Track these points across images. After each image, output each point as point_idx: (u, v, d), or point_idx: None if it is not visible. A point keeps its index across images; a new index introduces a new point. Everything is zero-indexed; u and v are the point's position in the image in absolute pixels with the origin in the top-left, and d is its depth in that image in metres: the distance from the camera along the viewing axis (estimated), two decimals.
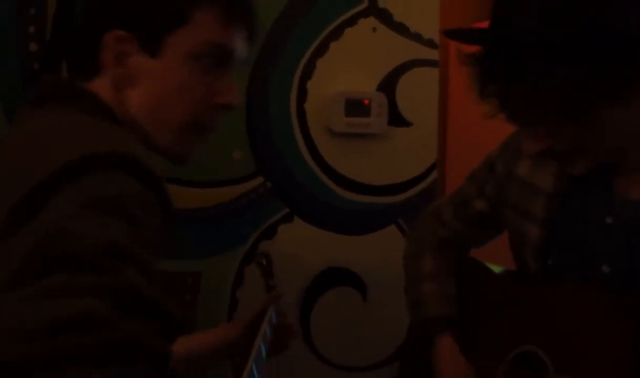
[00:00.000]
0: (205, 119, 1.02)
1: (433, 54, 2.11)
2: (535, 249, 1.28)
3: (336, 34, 2.05)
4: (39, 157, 0.77)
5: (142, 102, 0.98)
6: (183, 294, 2.02)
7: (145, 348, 0.64)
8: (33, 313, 0.60)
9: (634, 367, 1.08)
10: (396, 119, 2.11)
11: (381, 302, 2.12)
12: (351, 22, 2.06)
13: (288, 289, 2.07)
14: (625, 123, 1.06)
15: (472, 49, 1.09)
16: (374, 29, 2.07)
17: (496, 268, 1.46)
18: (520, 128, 1.13)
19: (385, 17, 2.08)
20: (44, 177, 0.72)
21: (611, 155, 1.13)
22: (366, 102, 2.04)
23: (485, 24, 1.12)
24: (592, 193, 1.20)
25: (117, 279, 0.66)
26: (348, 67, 2.05)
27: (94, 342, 0.60)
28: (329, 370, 2.13)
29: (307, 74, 2.04)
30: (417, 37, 2.10)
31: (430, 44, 2.11)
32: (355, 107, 2.03)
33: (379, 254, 2.12)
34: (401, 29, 2.09)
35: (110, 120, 0.93)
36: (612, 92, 1.00)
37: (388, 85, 2.09)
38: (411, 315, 1.48)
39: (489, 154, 1.43)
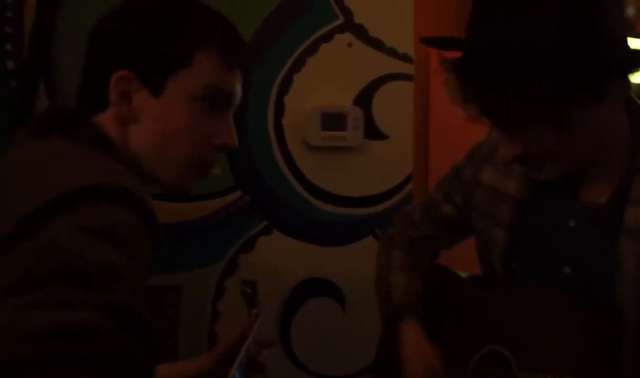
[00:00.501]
0: (205, 157, 1.07)
1: (408, 68, 2.15)
2: (501, 253, 1.32)
3: (312, 49, 2.08)
4: (43, 183, 0.82)
5: (144, 139, 1.03)
6: (165, 308, 2.04)
7: (132, 365, 0.68)
8: (26, 319, 0.64)
9: (591, 362, 1.13)
10: (372, 132, 2.14)
11: (360, 311, 2.15)
12: (327, 37, 2.09)
13: (268, 300, 2.09)
14: (595, 129, 1.10)
15: (451, 56, 1.14)
16: (350, 44, 2.10)
17: (463, 275, 1.51)
18: (498, 133, 1.16)
19: (360, 32, 2.11)
20: (46, 200, 0.77)
21: (579, 163, 1.16)
22: (342, 116, 2.07)
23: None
24: (557, 199, 1.24)
25: (111, 297, 0.70)
26: (324, 81, 2.09)
27: (83, 351, 0.64)
28: None
29: (284, 89, 2.07)
30: (392, 52, 2.14)
31: (405, 58, 2.14)
32: (332, 121, 2.07)
33: (357, 265, 2.15)
34: (377, 44, 2.12)
35: (112, 153, 0.98)
36: (585, 95, 1.05)
37: (364, 99, 2.13)
38: (380, 305, 1.52)
39: (456, 162, 1.48)
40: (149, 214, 0.86)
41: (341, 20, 2.10)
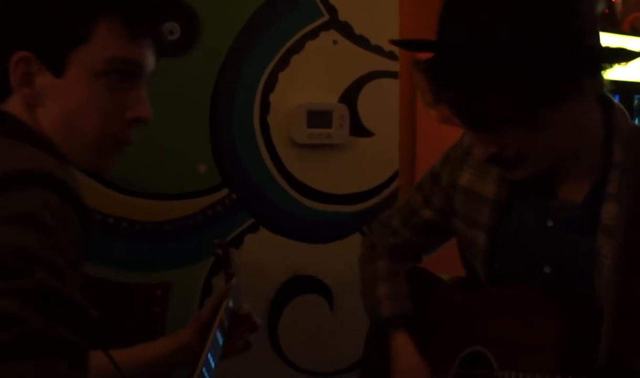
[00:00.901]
0: (118, 133, 1.02)
1: (394, 66, 2.17)
2: (482, 255, 1.32)
3: (297, 47, 2.09)
4: None
5: (51, 121, 0.99)
6: (153, 306, 2.04)
7: (57, 342, 0.68)
8: None
9: (569, 359, 1.14)
10: (358, 130, 2.15)
11: (347, 308, 2.17)
12: (312, 35, 2.10)
13: (255, 298, 2.11)
14: (568, 127, 1.10)
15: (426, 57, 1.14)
16: (335, 42, 2.11)
17: (445, 277, 1.52)
18: (470, 134, 1.17)
19: (346, 30, 2.12)
20: None
21: (554, 162, 1.17)
22: (328, 113, 2.08)
23: None
24: (534, 199, 1.24)
25: (26, 280, 0.70)
26: (310, 79, 2.10)
27: (3, 338, 0.64)
28: (297, 376, 2.16)
29: (269, 87, 2.07)
30: (377, 50, 2.15)
31: (390, 55, 2.16)
32: (318, 118, 2.07)
33: (344, 262, 2.16)
34: (362, 42, 2.13)
35: (26, 137, 0.95)
36: (556, 93, 1.05)
37: (349, 96, 2.14)
38: (369, 317, 1.54)
39: (433, 165, 1.48)
40: (73, 197, 0.84)
41: (326, 17, 2.11)
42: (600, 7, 2.46)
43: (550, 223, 1.22)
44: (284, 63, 2.08)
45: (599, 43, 1.10)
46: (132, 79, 1.02)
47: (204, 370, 1.22)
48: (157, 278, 2.03)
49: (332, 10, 2.11)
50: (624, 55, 1.08)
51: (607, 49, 1.08)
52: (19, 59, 0.97)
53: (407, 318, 1.46)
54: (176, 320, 2.03)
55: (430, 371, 1.39)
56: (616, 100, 1.21)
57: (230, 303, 1.45)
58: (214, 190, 2.05)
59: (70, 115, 0.99)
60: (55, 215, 0.79)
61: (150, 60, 1.04)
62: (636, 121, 2.59)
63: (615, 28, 2.57)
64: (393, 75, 2.16)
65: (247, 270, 2.05)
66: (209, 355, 1.27)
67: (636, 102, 2.61)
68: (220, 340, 1.36)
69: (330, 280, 2.18)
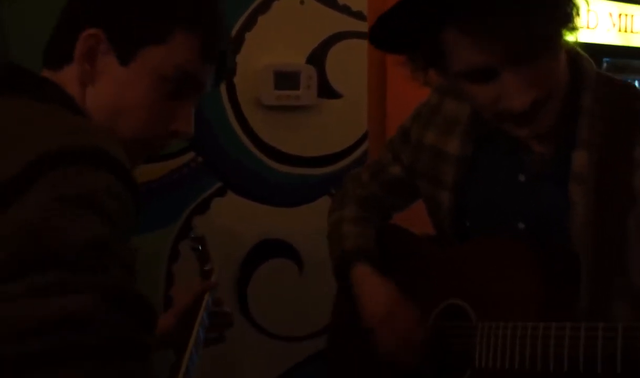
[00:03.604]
0: (155, 140, 1.02)
1: (362, 26, 2.13)
2: (449, 215, 1.31)
3: (264, 7, 2.04)
4: (6, 149, 0.76)
5: (97, 104, 0.98)
6: None
7: (131, 344, 0.66)
8: (21, 313, 0.61)
9: (550, 307, 1.13)
10: (326, 91, 2.12)
11: (317, 272, 2.15)
12: None
13: (224, 263, 2.08)
14: (548, 74, 1.08)
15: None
16: (302, 2, 2.07)
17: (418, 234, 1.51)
18: (510, 81, 1.07)
19: None
20: (16, 170, 0.71)
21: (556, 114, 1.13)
22: (295, 74, 2.04)
23: None
24: (503, 154, 1.23)
25: (100, 277, 0.67)
26: (276, 40, 2.06)
27: (79, 341, 0.61)
28: (267, 341, 2.15)
29: (235, 48, 2.03)
30: (345, 10, 2.11)
31: (358, 15, 2.12)
32: (285, 79, 2.04)
33: (313, 225, 2.14)
34: (329, 2, 2.10)
35: (73, 111, 0.93)
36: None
37: (317, 57, 2.10)
38: (332, 258, 1.50)
39: (403, 122, 1.46)
40: (128, 176, 0.80)
41: None
42: None
43: (522, 178, 1.21)
44: (250, 23, 2.04)
45: None
46: (189, 95, 1.03)
47: (189, 364, 1.27)
48: None
49: None
50: None
51: None
52: (91, 34, 0.96)
53: (371, 255, 1.43)
54: (143, 286, 1.99)
55: (399, 292, 1.36)
56: None
57: (210, 303, 1.48)
58: (179, 153, 2.02)
59: (119, 106, 0.98)
60: (117, 200, 0.75)
61: (209, 84, 1.06)
62: None
63: None
64: (361, 35, 2.12)
65: (214, 235, 2.03)
66: (194, 352, 1.31)
67: (605, 65, 2.62)
68: (202, 336, 1.38)
69: (299, 244, 2.17)
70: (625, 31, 2.56)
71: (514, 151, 1.21)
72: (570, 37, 1.10)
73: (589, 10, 2.48)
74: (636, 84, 2.90)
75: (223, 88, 2.03)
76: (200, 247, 1.60)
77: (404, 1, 1.03)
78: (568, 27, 1.06)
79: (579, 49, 1.18)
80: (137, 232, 0.85)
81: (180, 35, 0.99)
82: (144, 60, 0.98)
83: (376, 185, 1.51)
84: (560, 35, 1.06)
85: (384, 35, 1.11)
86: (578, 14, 1.06)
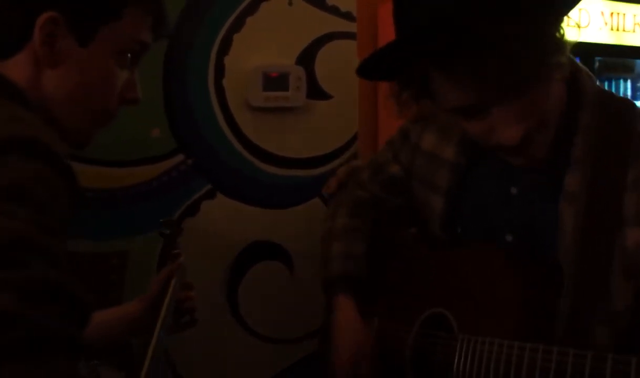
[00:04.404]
0: (113, 108, 1.03)
1: (351, 27, 2.13)
2: (440, 220, 1.30)
3: (252, 8, 2.04)
4: None
5: (60, 86, 0.97)
6: (108, 274, 2.00)
7: (59, 339, 0.65)
8: None
9: (529, 325, 1.12)
10: (316, 92, 2.12)
11: (308, 273, 2.14)
12: None
13: (214, 265, 2.08)
14: (545, 100, 1.05)
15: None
16: (290, 3, 2.07)
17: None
18: (500, 116, 1.06)
19: None
20: None
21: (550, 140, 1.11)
22: (284, 76, 2.04)
23: None
24: (497, 165, 1.20)
25: (23, 272, 0.65)
26: (265, 41, 2.06)
27: (5, 340, 0.60)
28: (258, 343, 2.15)
29: (224, 50, 2.03)
30: (334, 10, 2.11)
31: (347, 16, 2.12)
32: (274, 81, 2.04)
33: (303, 227, 2.14)
34: (318, 3, 2.10)
35: (19, 99, 0.91)
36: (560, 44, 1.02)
37: (306, 58, 2.10)
38: (320, 273, 1.48)
39: (405, 122, 1.43)
40: (61, 163, 0.79)
41: None
42: None
43: (514, 191, 1.20)
44: (238, 25, 2.04)
45: None
46: (136, 61, 1.05)
47: (156, 348, 1.27)
48: (113, 246, 1.99)
49: None
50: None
51: None
52: (48, 18, 0.95)
53: (355, 279, 1.41)
54: (134, 288, 1.99)
55: (370, 336, 1.37)
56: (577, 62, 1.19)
57: (178, 287, 1.46)
58: (168, 156, 2.02)
59: (84, 86, 0.98)
60: (47, 189, 0.74)
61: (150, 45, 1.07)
62: (597, 83, 2.59)
63: None
64: (351, 36, 2.12)
65: (205, 237, 2.03)
66: (162, 334, 1.31)
67: (597, 63, 2.61)
68: (170, 320, 1.39)
69: (289, 246, 2.16)
70: (617, 30, 2.54)
71: (507, 163, 1.18)
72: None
73: (580, 9, 2.47)
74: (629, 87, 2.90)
75: (212, 90, 2.03)
76: (168, 232, 1.58)
77: (384, 48, 1.01)
78: (559, 53, 1.02)
79: (578, 65, 1.17)
80: (130, 231, 0.84)
81: (132, 7, 1.00)
82: (102, 39, 0.98)
83: (376, 185, 1.48)
84: (550, 65, 1.03)
85: (373, 71, 1.12)
86: (565, 40, 1.03)
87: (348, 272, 1.42)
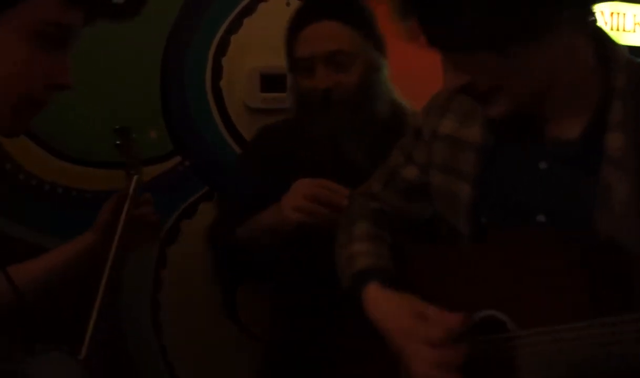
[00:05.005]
0: (39, 96, 0.99)
1: None
2: (467, 209, 1.20)
3: (249, 9, 2.04)
4: None
5: None
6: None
7: None
8: None
9: (590, 306, 0.99)
10: None
11: None
12: None
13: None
14: (545, 63, 1.03)
15: None
16: (288, 4, 2.05)
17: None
18: (444, 61, 1.08)
19: None
20: None
21: (531, 100, 1.09)
22: (282, 77, 2.02)
23: None
24: (524, 142, 1.14)
25: None
26: (263, 42, 2.04)
27: None
28: (255, 345, 2.14)
29: (221, 51, 2.02)
30: None
31: None
32: (272, 82, 2.03)
33: None
34: None
35: None
36: (529, 30, 0.99)
37: None
38: (341, 279, 1.31)
39: (414, 120, 1.38)
40: None
41: None
42: None
43: (543, 166, 1.11)
44: (235, 26, 2.03)
45: None
46: (59, 44, 0.98)
47: (113, 265, 1.31)
48: None
49: None
50: None
51: None
52: None
53: (384, 273, 1.23)
54: (129, 290, 1.99)
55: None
56: None
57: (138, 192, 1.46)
58: (166, 157, 2.01)
59: None
60: None
61: (80, 26, 1.00)
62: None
63: None
64: None
65: (202, 239, 2.02)
66: (120, 254, 1.34)
67: None
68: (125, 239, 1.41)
69: None
70: (617, 30, 2.54)
71: (535, 137, 1.12)
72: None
73: None
74: None
75: (209, 91, 2.03)
76: (120, 142, 1.53)
77: None
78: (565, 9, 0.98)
79: (606, 32, 1.12)
80: None
81: None
82: (8, 23, 0.93)
83: (390, 194, 1.37)
84: (548, 23, 0.99)
85: None
86: None
87: (375, 265, 1.25)
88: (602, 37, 1.11)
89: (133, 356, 2.03)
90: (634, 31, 2.59)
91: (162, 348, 2.07)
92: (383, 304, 1.19)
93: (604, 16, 2.54)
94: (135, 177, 1.47)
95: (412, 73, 1.93)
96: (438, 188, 1.27)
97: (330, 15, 1.68)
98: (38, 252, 1.51)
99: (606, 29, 1.14)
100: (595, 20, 1.08)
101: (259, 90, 2.03)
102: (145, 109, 1.96)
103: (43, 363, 1.04)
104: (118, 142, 1.53)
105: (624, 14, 2.57)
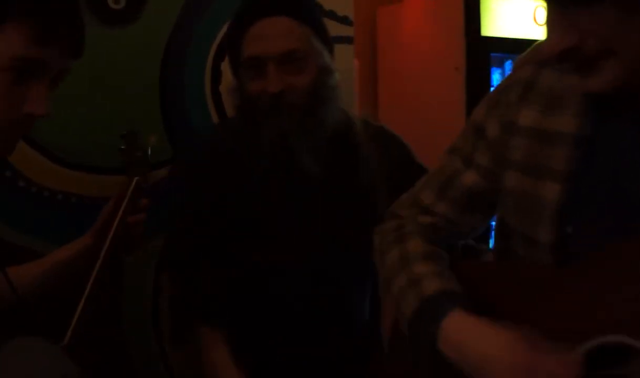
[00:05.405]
0: (17, 124, 1.04)
1: (348, 31, 2.12)
2: (552, 213, 1.04)
3: None
4: None
5: None
6: (107, 282, 1.99)
7: None
8: None
9: None
10: None
11: None
12: None
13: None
14: None
15: None
16: None
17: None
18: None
19: None
20: None
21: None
22: None
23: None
24: (629, 131, 0.97)
25: None
26: None
27: None
28: None
29: (220, 55, 2.02)
30: (331, 15, 2.09)
31: (344, 21, 2.11)
32: None
33: None
34: None
35: None
36: None
37: None
38: (400, 304, 1.14)
39: (471, 118, 1.22)
40: None
41: None
42: None
43: None
44: None
45: None
46: (34, 77, 1.03)
47: (101, 266, 1.33)
48: None
49: None
50: None
51: None
52: None
53: (462, 299, 1.07)
54: (129, 298, 1.99)
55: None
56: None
57: (128, 212, 1.46)
58: (165, 163, 2.01)
59: None
60: None
61: (57, 59, 1.05)
62: None
63: None
64: (348, 40, 2.11)
65: None
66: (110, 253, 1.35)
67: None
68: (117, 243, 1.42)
69: None
70: None
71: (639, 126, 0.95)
72: None
73: None
74: None
75: (209, 95, 2.02)
76: (124, 147, 1.53)
77: None
78: None
79: None
80: None
81: (11, 25, 0.99)
82: None
83: (446, 205, 1.21)
84: None
85: None
86: None
87: (449, 288, 1.09)
88: None
89: (133, 356, 2.03)
90: None
91: (162, 350, 2.07)
92: (477, 336, 1.01)
93: None
94: (135, 179, 1.47)
95: None
96: (513, 191, 1.12)
97: (281, 11, 1.54)
98: (38, 258, 1.52)
99: None
100: None
101: None
102: (145, 114, 1.96)
103: (12, 348, 1.04)
104: (123, 147, 1.54)
105: None
